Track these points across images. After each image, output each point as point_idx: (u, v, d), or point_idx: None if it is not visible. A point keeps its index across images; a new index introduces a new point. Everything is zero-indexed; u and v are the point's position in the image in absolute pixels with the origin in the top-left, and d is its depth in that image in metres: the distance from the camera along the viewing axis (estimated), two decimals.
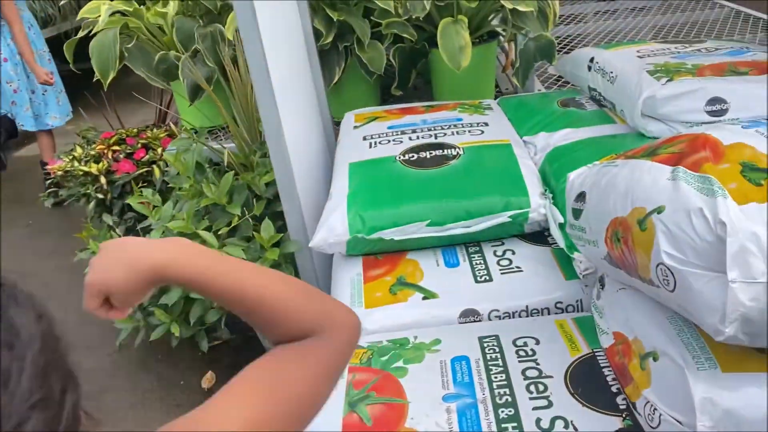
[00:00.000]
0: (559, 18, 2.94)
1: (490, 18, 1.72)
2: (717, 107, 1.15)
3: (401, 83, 1.77)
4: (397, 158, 1.28)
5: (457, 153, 1.27)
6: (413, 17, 1.55)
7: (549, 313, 1.05)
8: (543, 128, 1.37)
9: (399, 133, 1.40)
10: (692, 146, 0.75)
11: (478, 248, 1.16)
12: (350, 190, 1.21)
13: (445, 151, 1.28)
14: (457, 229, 1.13)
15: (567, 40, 2.56)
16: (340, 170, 1.30)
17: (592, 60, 1.47)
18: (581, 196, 0.88)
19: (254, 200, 1.48)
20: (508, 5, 1.50)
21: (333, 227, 1.14)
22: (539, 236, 1.17)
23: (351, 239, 1.14)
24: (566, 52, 2.42)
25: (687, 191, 0.68)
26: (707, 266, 0.66)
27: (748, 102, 1.14)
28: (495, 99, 1.66)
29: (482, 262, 1.12)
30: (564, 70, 1.62)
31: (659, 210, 0.70)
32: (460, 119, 1.45)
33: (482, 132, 1.36)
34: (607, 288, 0.92)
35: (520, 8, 1.49)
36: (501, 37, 1.79)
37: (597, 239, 0.84)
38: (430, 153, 1.28)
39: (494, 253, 1.14)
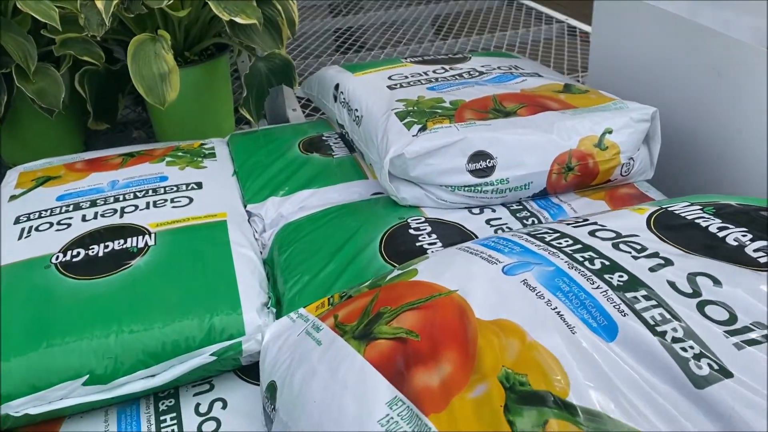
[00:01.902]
0: (336, 7, 2.63)
1: (214, 29, 1.33)
2: (482, 164, 0.88)
3: (102, 115, 1.32)
4: (53, 260, 0.86)
5: (146, 244, 0.88)
6: (90, 35, 1.11)
7: None
8: (275, 189, 1.02)
9: (71, 208, 0.98)
10: (429, 328, 0.44)
11: (173, 401, 0.79)
12: None
13: (128, 241, 0.89)
14: (134, 384, 0.75)
15: (346, 35, 2.25)
16: None
17: (337, 88, 1.14)
18: (272, 390, 0.54)
19: None
20: (224, 17, 1.12)
21: None
22: None
23: None
24: (344, 51, 2.11)
25: None
26: None
27: (518, 155, 0.88)
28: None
29: (177, 424, 0.75)
30: (312, 94, 1.29)
31: None
32: (164, 178, 1.05)
33: (190, 201, 0.98)
34: None
35: (239, 20, 1.12)
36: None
37: None
38: (106, 247, 0.88)
39: (196, 409, 0.77)
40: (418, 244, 0.82)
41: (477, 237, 0.83)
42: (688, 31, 1.06)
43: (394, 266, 0.78)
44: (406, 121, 0.93)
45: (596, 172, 0.91)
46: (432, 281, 0.49)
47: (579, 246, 0.51)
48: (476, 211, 0.89)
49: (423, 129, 0.90)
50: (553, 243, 0.51)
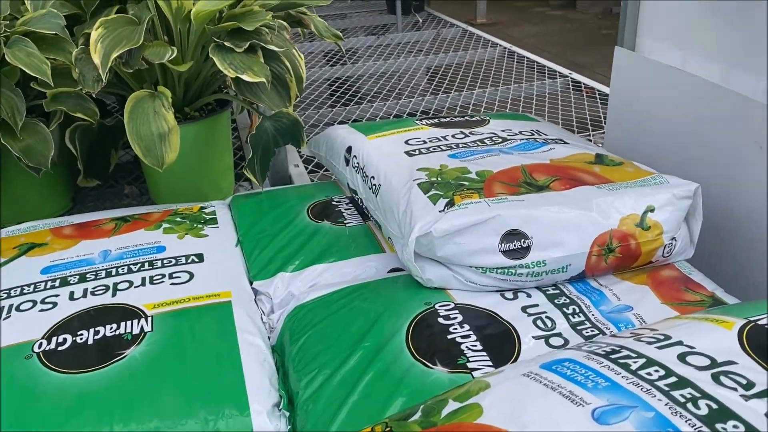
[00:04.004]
0: (331, 54, 2.59)
1: (215, 84, 1.26)
2: (516, 244, 0.80)
3: (93, 171, 1.24)
4: (35, 348, 0.76)
5: (142, 330, 0.78)
6: (86, 91, 1.03)
7: None
8: (284, 263, 0.93)
9: (57, 283, 0.88)
10: None
11: None
12: None
13: (122, 326, 0.79)
14: None
15: (344, 86, 2.20)
16: None
17: (349, 151, 1.07)
18: None
19: None
20: (230, 74, 1.05)
21: None
22: None
23: None
24: (345, 102, 2.06)
25: None
26: None
27: (556, 235, 0.81)
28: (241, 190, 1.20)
29: None
30: (319, 154, 1.22)
31: None
32: (162, 248, 0.96)
33: (191, 277, 0.89)
34: None
35: (246, 78, 1.05)
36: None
37: None
38: (96, 332, 0.78)
39: None
40: (449, 336, 0.73)
41: (514, 327, 0.75)
42: (723, 98, 1.01)
43: (426, 364, 0.69)
44: (430, 193, 0.85)
45: (638, 254, 0.84)
46: (505, 428, 0.40)
47: (674, 379, 0.43)
48: (510, 295, 0.81)
49: (450, 204, 0.82)
50: (643, 374, 0.43)
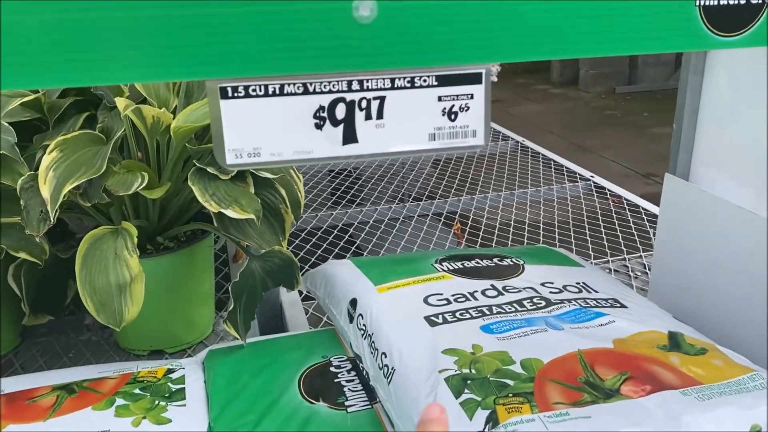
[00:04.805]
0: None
1: (197, 207, 1.06)
2: None
3: (44, 307, 1.03)
4: None
5: None
6: (32, 233, 0.83)
7: None
8: None
9: None
10: None
11: None
12: None
13: None
14: None
15: (343, 176, 2.02)
16: None
17: (354, 305, 0.87)
18: None
19: None
20: (212, 209, 0.85)
21: None
22: None
23: None
24: (345, 205, 1.87)
25: None
26: None
27: None
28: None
29: None
30: (316, 293, 1.01)
31: None
32: None
33: None
34: None
35: (231, 214, 0.85)
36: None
37: None
38: None
39: None
40: None
41: None
42: None
43: None
44: (464, 398, 0.65)
45: None
46: None
47: None
48: None
49: (493, 421, 0.61)
50: None
